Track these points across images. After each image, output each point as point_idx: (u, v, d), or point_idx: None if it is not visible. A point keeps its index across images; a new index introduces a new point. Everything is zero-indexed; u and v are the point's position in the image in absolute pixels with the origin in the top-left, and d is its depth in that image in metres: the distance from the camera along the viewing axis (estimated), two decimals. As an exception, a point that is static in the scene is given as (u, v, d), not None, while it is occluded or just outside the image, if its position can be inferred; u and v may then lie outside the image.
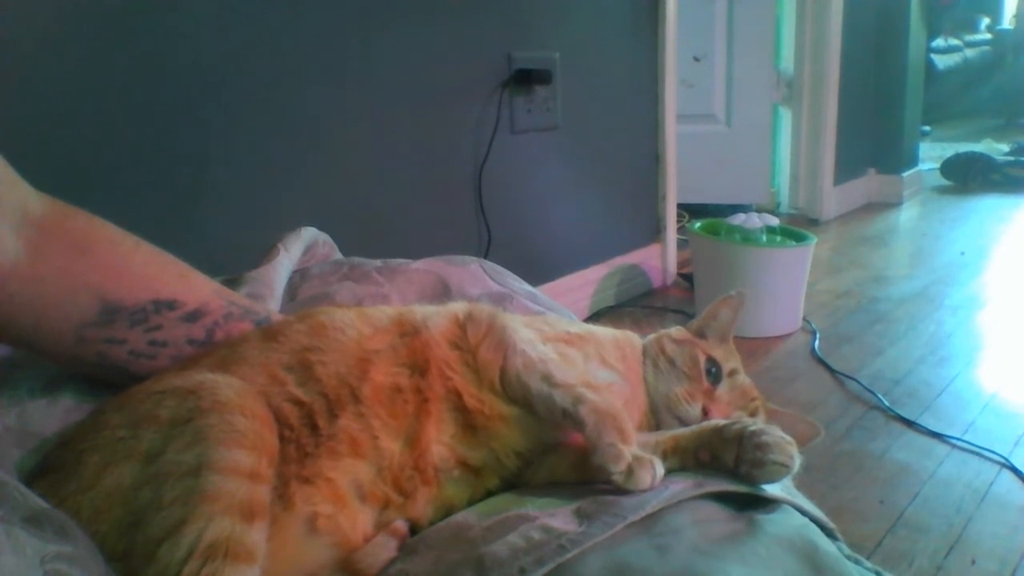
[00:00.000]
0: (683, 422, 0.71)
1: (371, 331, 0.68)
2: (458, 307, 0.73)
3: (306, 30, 1.65)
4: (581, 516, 0.55)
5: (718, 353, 0.78)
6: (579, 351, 0.71)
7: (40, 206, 0.64)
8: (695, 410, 0.72)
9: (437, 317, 0.70)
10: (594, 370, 0.71)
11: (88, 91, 1.34)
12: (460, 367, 0.66)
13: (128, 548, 0.53)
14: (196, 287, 0.74)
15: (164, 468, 0.54)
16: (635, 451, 0.59)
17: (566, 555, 0.50)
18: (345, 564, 0.57)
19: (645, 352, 0.78)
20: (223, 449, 0.54)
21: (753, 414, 0.75)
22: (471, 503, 0.64)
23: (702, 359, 0.76)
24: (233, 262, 1.04)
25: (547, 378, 0.63)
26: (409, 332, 0.68)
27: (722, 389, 0.75)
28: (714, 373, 0.75)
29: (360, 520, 0.60)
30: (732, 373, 0.77)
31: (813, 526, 0.58)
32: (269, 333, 0.68)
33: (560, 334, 0.73)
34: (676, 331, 0.81)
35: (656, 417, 0.74)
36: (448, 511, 0.63)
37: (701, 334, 0.81)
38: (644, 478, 0.57)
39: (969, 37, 7.65)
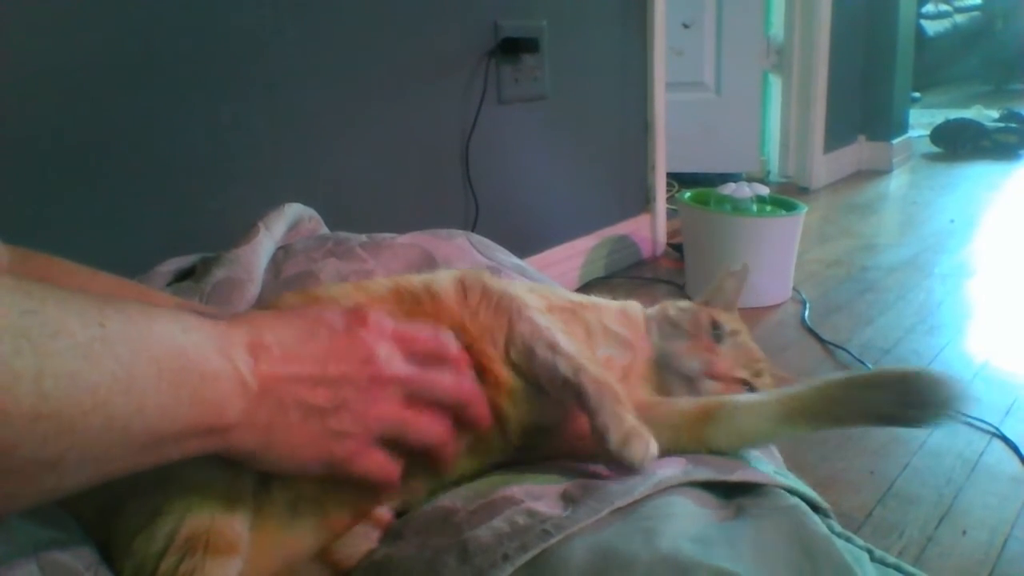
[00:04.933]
0: (684, 377, 0.71)
1: (367, 300, 0.66)
2: (453, 271, 0.71)
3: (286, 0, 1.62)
4: (567, 500, 0.54)
5: (722, 316, 0.77)
6: (580, 325, 0.70)
7: (7, 255, 0.67)
8: (695, 363, 0.71)
9: (439, 282, 0.68)
10: (596, 344, 0.70)
11: (65, 65, 1.31)
12: (476, 330, 0.64)
13: (108, 537, 0.52)
14: (158, 303, 0.77)
15: None
16: (635, 422, 0.57)
17: (550, 540, 0.49)
18: (322, 554, 0.56)
19: (650, 321, 0.78)
20: None
21: (758, 375, 0.74)
22: (466, 479, 0.62)
23: (705, 319, 0.76)
24: (217, 237, 1.02)
25: (552, 346, 0.62)
26: (408, 300, 0.66)
27: (725, 347, 0.75)
28: (716, 332, 0.75)
29: (346, 499, 0.59)
30: (734, 333, 0.77)
31: (803, 506, 0.57)
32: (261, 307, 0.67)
33: (564, 303, 0.72)
34: (682, 302, 0.81)
35: (660, 379, 0.72)
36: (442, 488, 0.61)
37: (707, 304, 0.81)
38: (638, 447, 0.56)
39: (959, 2, 7.61)
